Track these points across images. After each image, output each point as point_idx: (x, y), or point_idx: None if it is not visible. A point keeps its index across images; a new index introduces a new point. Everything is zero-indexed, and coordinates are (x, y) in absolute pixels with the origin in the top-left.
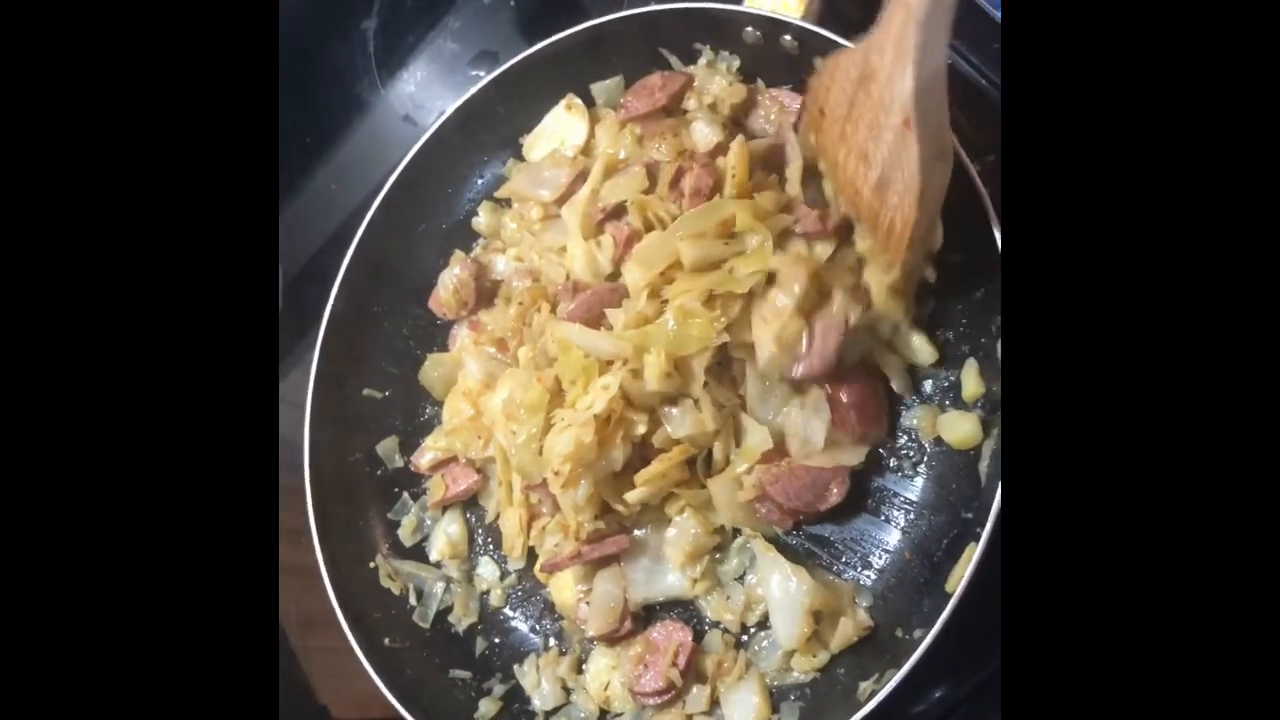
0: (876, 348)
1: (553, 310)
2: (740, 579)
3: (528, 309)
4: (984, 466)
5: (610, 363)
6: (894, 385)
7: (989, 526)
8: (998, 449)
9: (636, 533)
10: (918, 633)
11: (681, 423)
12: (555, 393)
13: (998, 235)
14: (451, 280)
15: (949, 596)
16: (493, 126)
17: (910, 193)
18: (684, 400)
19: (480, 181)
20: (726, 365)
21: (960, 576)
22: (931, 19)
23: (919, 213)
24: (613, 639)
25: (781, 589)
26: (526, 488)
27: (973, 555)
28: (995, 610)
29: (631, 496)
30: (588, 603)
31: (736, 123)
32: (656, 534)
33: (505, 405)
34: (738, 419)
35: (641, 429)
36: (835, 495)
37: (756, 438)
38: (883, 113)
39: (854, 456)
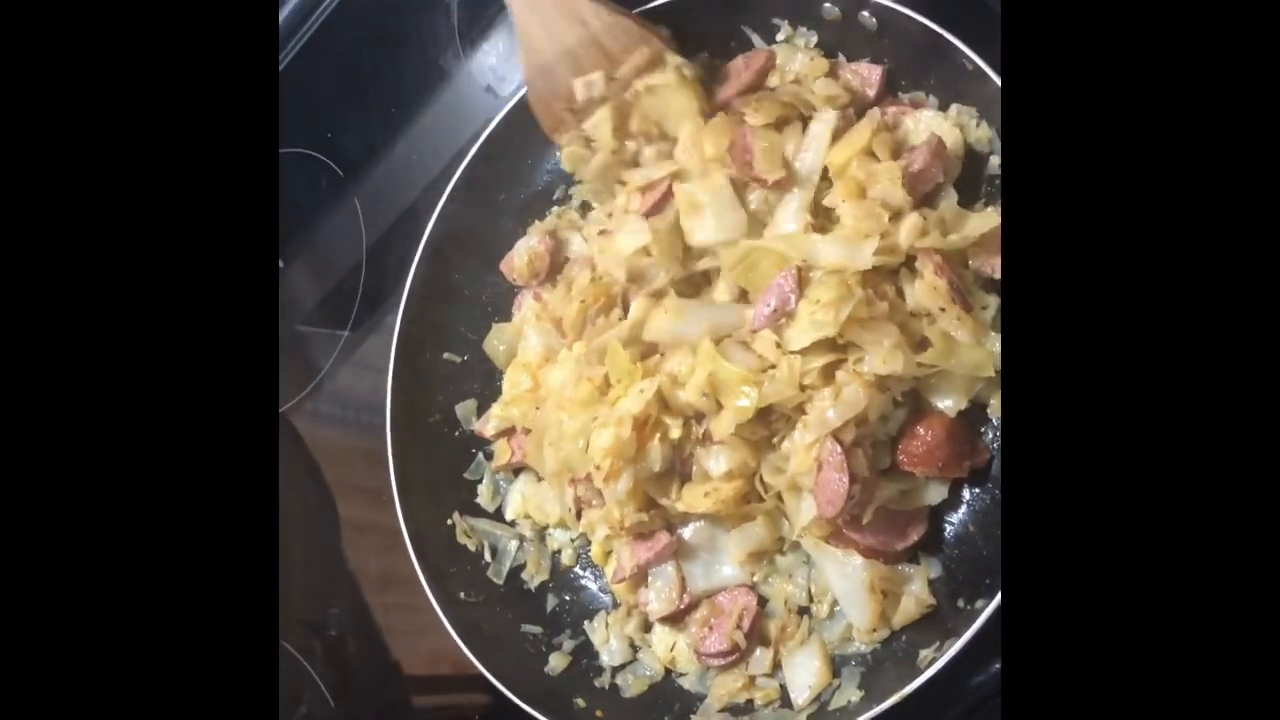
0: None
1: (623, 311)
2: (805, 564)
3: (589, 306)
4: None
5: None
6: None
7: None
8: None
9: (690, 528)
10: (979, 603)
11: (718, 461)
12: (604, 391)
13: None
14: (527, 250)
15: None
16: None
17: None
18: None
19: (559, 154)
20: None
21: None
22: None
23: None
24: (675, 618)
25: (839, 574)
26: (573, 481)
27: None
28: None
29: (680, 505)
30: (646, 586)
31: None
32: (711, 528)
33: (557, 391)
34: None
35: (676, 433)
36: (914, 535)
37: (809, 513)
38: None
39: (937, 495)
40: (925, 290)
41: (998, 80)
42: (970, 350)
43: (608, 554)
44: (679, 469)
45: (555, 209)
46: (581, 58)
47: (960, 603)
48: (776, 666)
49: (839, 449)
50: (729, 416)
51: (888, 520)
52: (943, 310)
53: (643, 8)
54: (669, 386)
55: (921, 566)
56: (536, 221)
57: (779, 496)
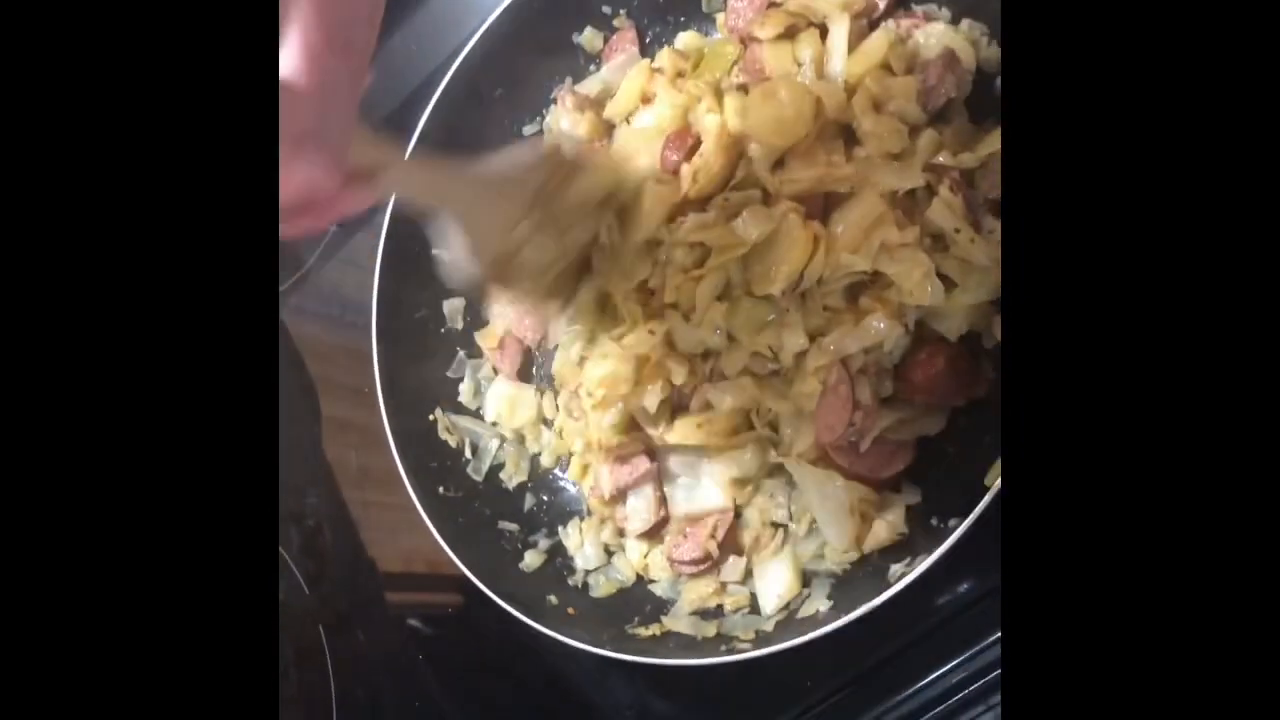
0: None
1: None
2: (786, 485)
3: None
4: None
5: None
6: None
7: None
8: None
9: (673, 455)
10: (952, 522)
11: (723, 398)
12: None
13: None
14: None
15: (986, 491)
16: None
17: None
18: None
19: (559, 50)
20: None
21: (999, 472)
22: None
23: None
24: (651, 533)
25: (820, 495)
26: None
27: None
28: None
29: (671, 438)
30: (623, 504)
31: None
32: (696, 453)
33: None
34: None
35: (679, 379)
36: (900, 464)
37: (806, 439)
38: None
39: (935, 425)
40: (941, 209)
41: None
42: (986, 274)
43: (585, 468)
44: (674, 402)
45: (552, 107)
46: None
47: (934, 521)
48: (748, 575)
49: (846, 374)
50: (742, 352)
51: (877, 448)
52: (958, 232)
53: None
54: (678, 324)
55: (902, 494)
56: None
57: (771, 425)
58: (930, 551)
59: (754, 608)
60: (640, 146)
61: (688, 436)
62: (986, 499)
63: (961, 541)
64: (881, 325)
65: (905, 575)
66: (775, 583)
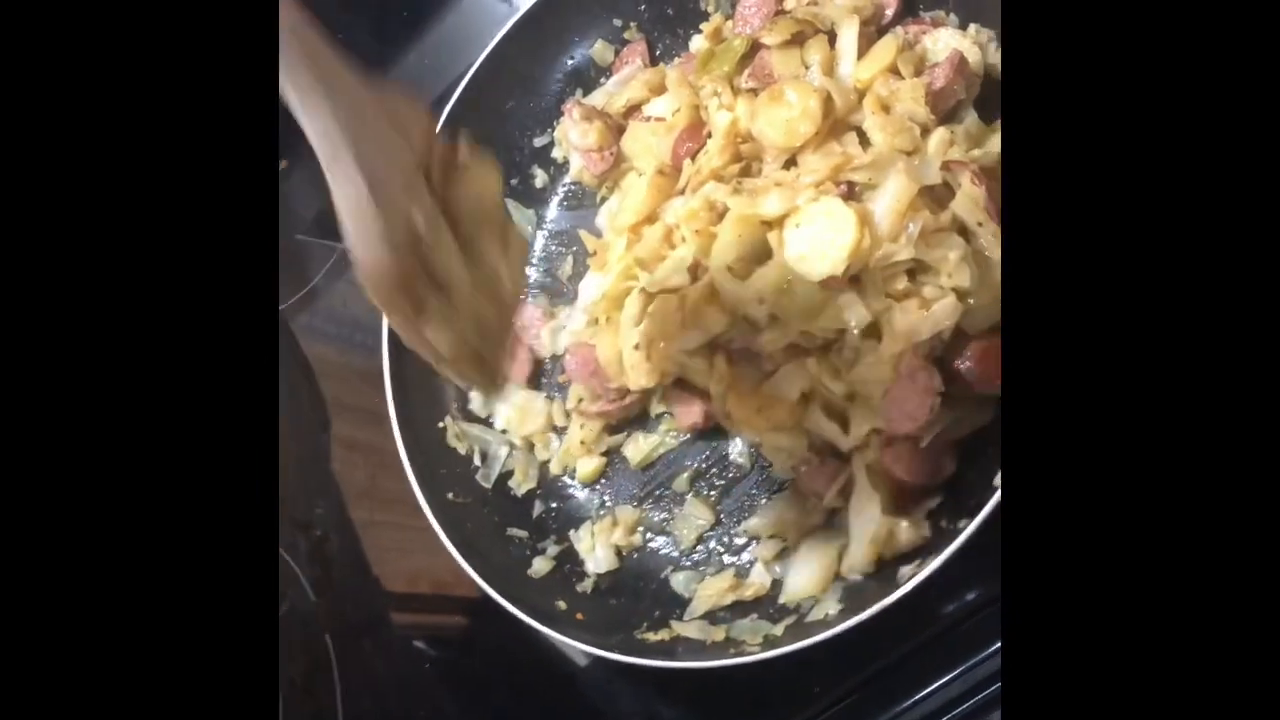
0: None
1: None
2: None
3: None
4: None
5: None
6: None
7: None
8: None
9: None
10: (962, 523)
11: (780, 387)
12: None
13: None
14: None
15: (994, 491)
16: (586, 7)
17: None
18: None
19: (570, 62)
20: None
21: None
22: None
23: None
24: None
25: (858, 513)
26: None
27: None
28: None
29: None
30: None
31: None
32: None
33: None
34: None
35: (719, 327)
36: (948, 467)
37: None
38: None
39: (984, 417)
40: (964, 201)
41: None
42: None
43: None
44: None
45: (560, 119)
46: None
47: (943, 523)
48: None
49: (920, 360)
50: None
51: (927, 452)
52: (980, 225)
53: None
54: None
55: (927, 499)
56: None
57: (827, 409)
58: (940, 551)
59: (770, 601)
60: (651, 141)
61: (748, 422)
62: (994, 500)
63: (970, 542)
64: (948, 306)
65: (914, 576)
66: (805, 575)
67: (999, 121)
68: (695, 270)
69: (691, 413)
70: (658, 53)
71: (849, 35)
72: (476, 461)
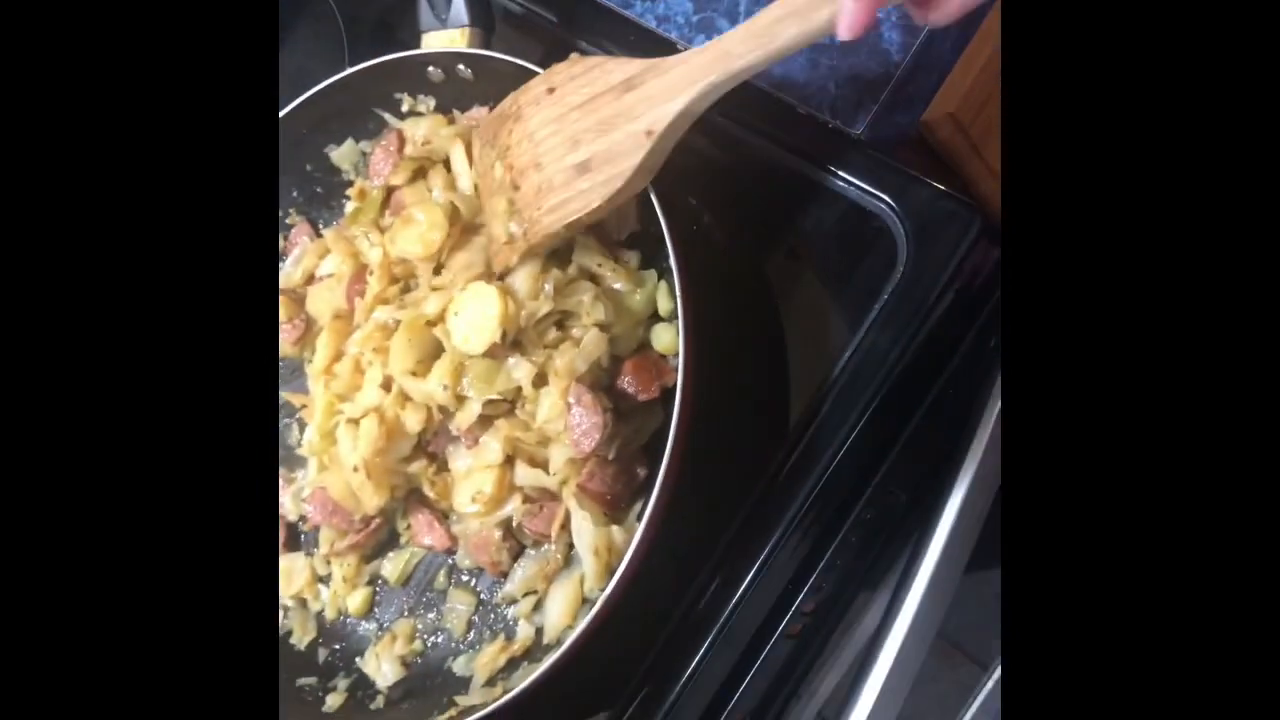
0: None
1: None
2: None
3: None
4: None
5: None
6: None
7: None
8: None
9: None
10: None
11: (485, 450)
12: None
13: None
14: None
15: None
16: None
17: (609, 186)
18: None
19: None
20: None
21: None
22: (726, 81)
23: (603, 204)
24: None
25: (579, 531)
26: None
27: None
28: None
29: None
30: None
31: None
32: None
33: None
34: None
35: (416, 427)
36: (641, 472)
37: (562, 456)
38: (626, 118)
39: (655, 420)
40: (582, 252)
41: None
42: (631, 295)
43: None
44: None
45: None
46: None
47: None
48: (536, 607)
49: (584, 387)
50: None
51: (618, 465)
52: (600, 266)
53: (282, 111)
54: (408, 381)
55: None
56: None
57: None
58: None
59: (537, 646)
60: (328, 296)
61: (467, 505)
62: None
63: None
64: (596, 338)
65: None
66: (556, 611)
67: None
68: (389, 385)
69: (430, 531)
70: (320, 226)
71: (459, 156)
72: None
